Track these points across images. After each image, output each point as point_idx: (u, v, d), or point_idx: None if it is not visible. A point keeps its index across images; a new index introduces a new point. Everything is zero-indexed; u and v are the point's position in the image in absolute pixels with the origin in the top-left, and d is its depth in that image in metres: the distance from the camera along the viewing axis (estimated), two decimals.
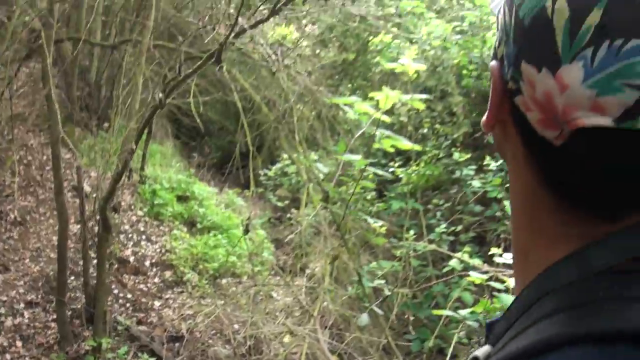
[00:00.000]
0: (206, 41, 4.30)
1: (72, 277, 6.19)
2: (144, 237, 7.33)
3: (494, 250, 3.94)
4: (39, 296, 6.15)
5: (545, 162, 0.58)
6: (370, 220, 5.08)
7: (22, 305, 6.00)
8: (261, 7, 4.06)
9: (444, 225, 5.87)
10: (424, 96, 3.91)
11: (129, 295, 6.45)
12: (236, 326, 5.99)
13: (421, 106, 3.77)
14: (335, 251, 5.15)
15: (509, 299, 3.51)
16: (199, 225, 7.93)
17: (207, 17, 5.23)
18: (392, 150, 3.88)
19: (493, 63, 0.64)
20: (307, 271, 5.99)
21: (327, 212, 5.29)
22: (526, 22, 0.56)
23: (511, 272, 4.22)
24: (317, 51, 7.52)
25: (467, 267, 4.65)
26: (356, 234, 5.57)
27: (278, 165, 9.44)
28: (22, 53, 6.86)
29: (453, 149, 6.74)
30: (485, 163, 6.17)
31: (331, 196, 4.47)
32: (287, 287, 6.05)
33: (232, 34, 3.89)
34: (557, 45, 0.53)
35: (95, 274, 5.74)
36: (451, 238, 5.88)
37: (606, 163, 0.54)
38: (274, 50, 4.80)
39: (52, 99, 5.33)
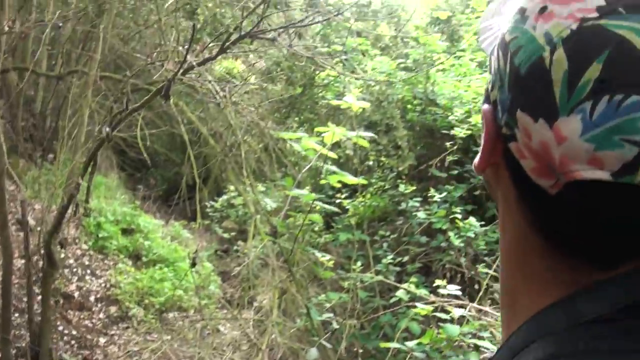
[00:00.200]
0: (155, 78, 4.32)
1: (17, 314, 6.01)
2: (88, 271, 7.19)
3: (438, 282, 4.05)
4: None
5: (539, 209, 0.58)
6: (319, 254, 5.13)
7: None
8: (210, 44, 4.13)
9: (390, 256, 5.95)
10: (369, 134, 4.02)
11: (74, 332, 6.29)
12: None
13: (366, 144, 3.88)
14: (284, 284, 5.17)
15: (454, 329, 3.61)
16: (144, 259, 7.82)
17: (155, 54, 5.25)
18: (339, 185, 3.97)
19: (485, 107, 0.62)
20: (255, 304, 5.98)
21: (274, 244, 5.32)
22: (522, 70, 0.55)
23: (456, 302, 4.34)
24: (265, 85, 7.60)
25: (414, 298, 4.75)
26: (304, 266, 5.60)
27: (224, 197, 9.42)
28: None
29: (399, 181, 6.88)
30: (430, 195, 6.31)
31: (279, 230, 4.51)
32: (234, 321, 6.02)
33: (181, 71, 3.94)
34: (554, 97, 0.53)
35: (39, 311, 5.59)
36: (398, 269, 5.96)
37: (603, 215, 0.54)
38: (222, 86, 4.84)
39: None
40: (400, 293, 4.78)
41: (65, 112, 7.49)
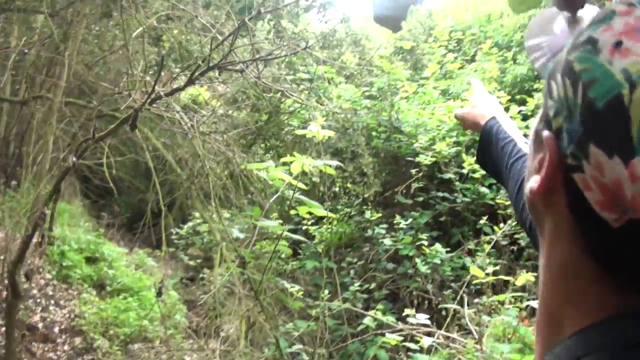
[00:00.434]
0: (122, 108, 4.30)
1: None
2: (52, 301, 7.03)
3: (407, 311, 4.08)
4: None
5: (599, 240, 0.59)
6: (287, 285, 5.13)
7: None
8: (178, 74, 4.13)
9: (357, 284, 5.98)
10: (335, 163, 4.06)
11: None
12: None
13: (332, 172, 3.92)
14: (251, 314, 5.14)
15: (423, 359, 3.64)
16: (108, 288, 7.68)
17: (122, 83, 5.23)
18: (307, 215, 3.99)
19: (547, 134, 0.62)
20: (222, 333, 5.92)
21: (242, 274, 5.29)
22: (599, 104, 0.55)
23: (425, 329, 4.37)
24: (230, 111, 7.62)
25: (381, 325, 4.77)
26: (272, 294, 5.58)
27: (190, 224, 9.36)
28: None
29: (365, 208, 6.93)
30: (395, 221, 6.37)
31: (247, 260, 4.50)
32: (201, 351, 5.95)
33: (148, 100, 3.93)
34: (631, 135, 0.53)
35: (4, 343, 5.45)
36: (365, 296, 5.99)
37: None
38: (190, 116, 4.84)
39: None
40: (367, 320, 4.80)
41: (30, 138, 7.39)
